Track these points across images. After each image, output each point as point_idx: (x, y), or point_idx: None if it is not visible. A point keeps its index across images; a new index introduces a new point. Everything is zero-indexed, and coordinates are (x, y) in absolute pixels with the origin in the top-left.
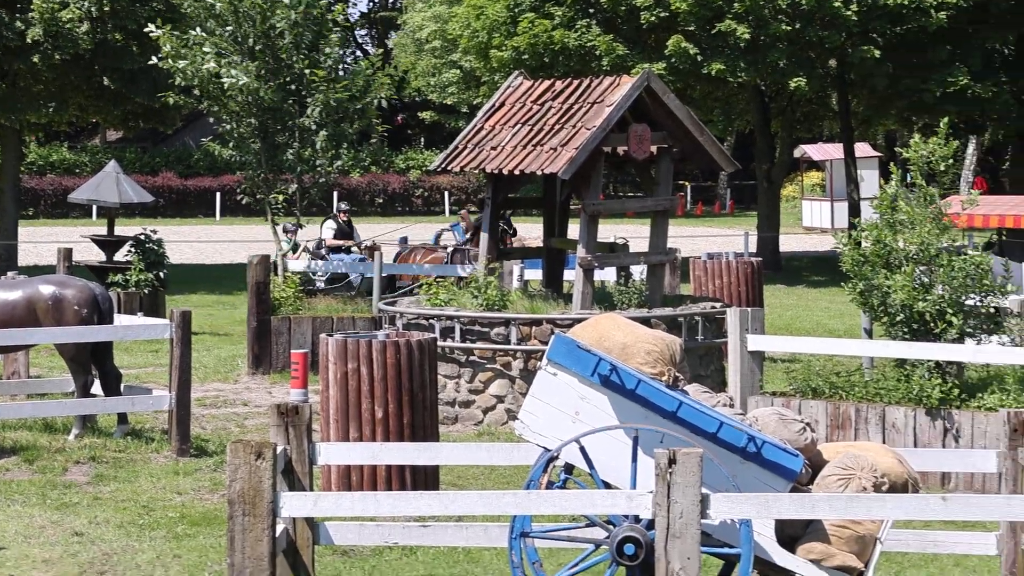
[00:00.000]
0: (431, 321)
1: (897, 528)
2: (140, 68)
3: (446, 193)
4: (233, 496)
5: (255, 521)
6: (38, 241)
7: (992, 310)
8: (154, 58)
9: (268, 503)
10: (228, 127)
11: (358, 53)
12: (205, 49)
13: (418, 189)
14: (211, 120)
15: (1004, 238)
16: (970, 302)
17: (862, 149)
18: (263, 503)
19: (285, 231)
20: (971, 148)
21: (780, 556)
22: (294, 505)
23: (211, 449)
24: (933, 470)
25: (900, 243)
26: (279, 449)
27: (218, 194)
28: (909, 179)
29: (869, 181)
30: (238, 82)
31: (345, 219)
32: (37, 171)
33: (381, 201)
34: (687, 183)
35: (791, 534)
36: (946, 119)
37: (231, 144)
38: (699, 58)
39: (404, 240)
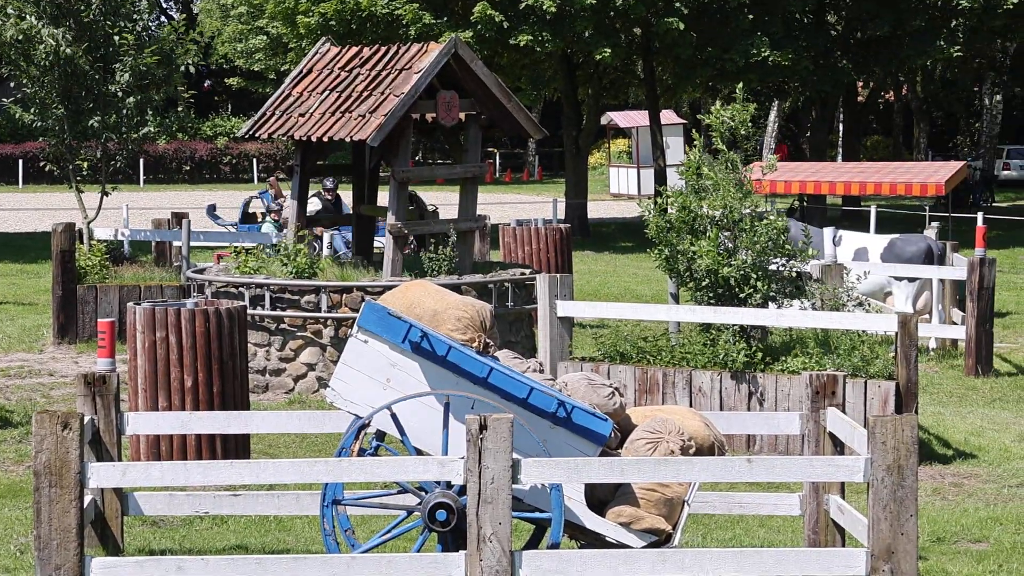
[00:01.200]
0: (241, 289)
1: (704, 491)
2: None
3: (254, 160)
4: (39, 467)
5: (62, 492)
6: None
7: (794, 275)
8: None
9: (75, 474)
10: (30, 91)
11: (163, 19)
12: (8, 11)
13: (226, 156)
14: (11, 85)
15: (805, 204)
16: (773, 267)
17: (667, 116)
18: (70, 474)
19: (269, 211)
20: (773, 115)
21: (590, 520)
22: (102, 476)
23: (16, 420)
24: (739, 433)
25: (704, 209)
26: (86, 419)
27: (20, 161)
28: (712, 145)
29: (675, 148)
30: (55, 44)
31: (331, 197)
32: None
33: (188, 169)
34: (496, 150)
35: (601, 498)
36: (741, 84)
37: (32, 109)
38: (505, 26)
39: (212, 208)
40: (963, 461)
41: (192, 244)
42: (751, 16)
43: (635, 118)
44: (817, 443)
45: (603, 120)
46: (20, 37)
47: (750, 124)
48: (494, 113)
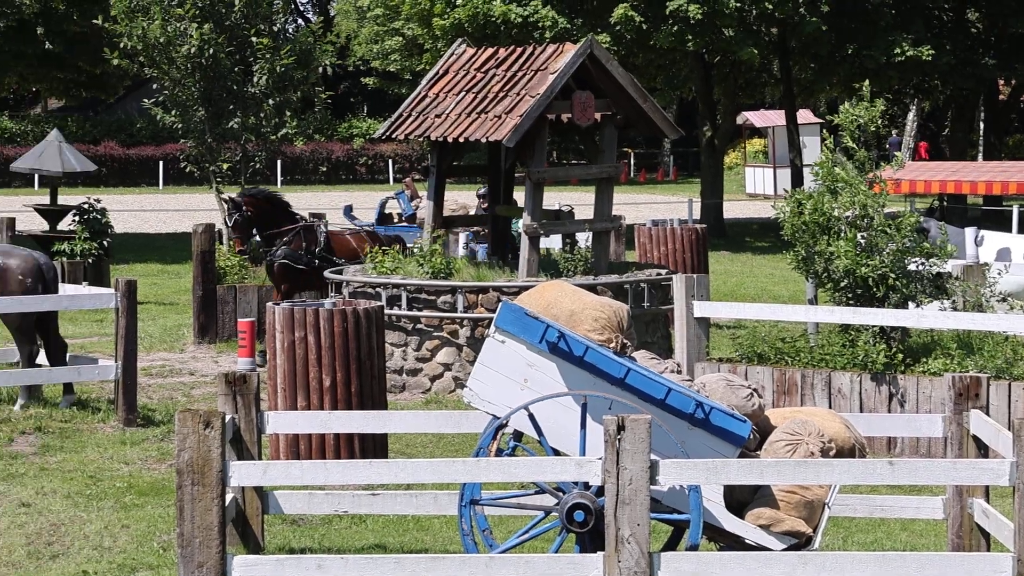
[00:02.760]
0: (377, 289)
1: (844, 493)
2: (83, 32)
3: (390, 161)
4: (182, 466)
5: (204, 491)
6: None
7: (934, 274)
8: (99, 18)
9: (217, 472)
10: (171, 93)
11: (299, 21)
12: (153, 14)
13: (362, 157)
14: (154, 87)
15: (945, 204)
16: (912, 267)
17: (804, 115)
18: (212, 472)
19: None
20: (911, 115)
21: (729, 522)
22: (243, 474)
23: (158, 419)
24: (879, 435)
25: (838, 210)
26: (227, 418)
27: (161, 163)
28: (842, 144)
29: (811, 147)
30: (200, 43)
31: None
32: None
33: (325, 170)
34: (630, 150)
35: (740, 500)
36: (867, 82)
37: (173, 112)
38: (645, 27)
39: (349, 208)
40: None
41: None
42: (892, 12)
43: (771, 117)
44: (960, 446)
45: (739, 120)
46: (163, 39)
47: (880, 121)
48: (630, 113)
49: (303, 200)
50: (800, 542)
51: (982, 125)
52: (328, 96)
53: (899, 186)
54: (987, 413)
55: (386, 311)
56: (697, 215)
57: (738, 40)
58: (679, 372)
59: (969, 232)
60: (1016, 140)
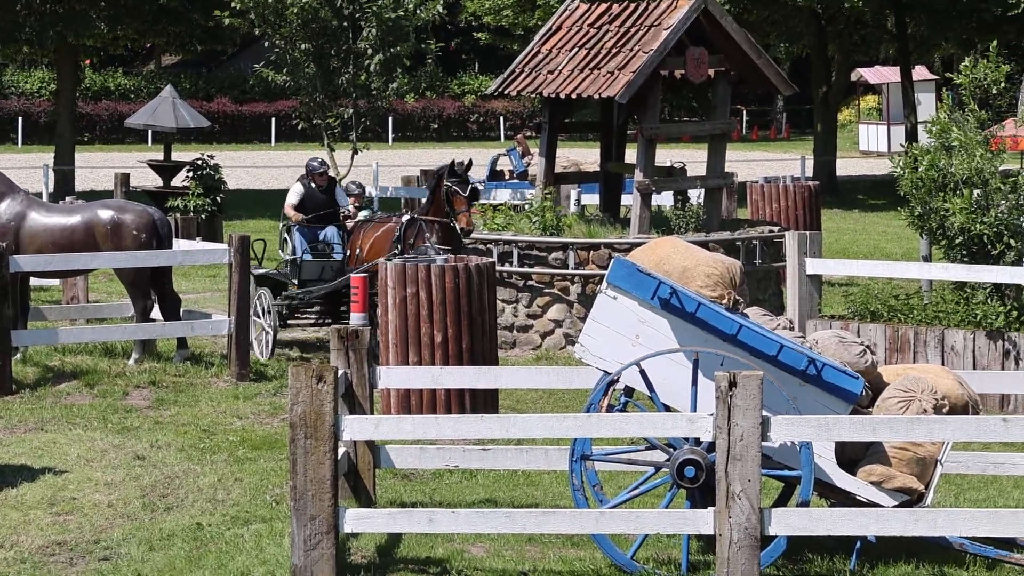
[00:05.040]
0: (489, 246)
1: (957, 450)
2: None
3: (501, 118)
4: (295, 419)
5: (317, 444)
6: (94, 167)
7: None
8: None
9: (330, 426)
10: (282, 52)
11: None
12: None
13: (473, 114)
14: (265, 45)
15: None
16: None
17: (919, 72)
18: (325, 426)
19: (349, 194)
20: None
21: (840, 478)
22: (356, 428)
23: (270, 374)
24: (992, 392)
25: (953, 167)
26: (340, 373)
27: (273, 119)
28: (962, 103)
29: (926, 105)
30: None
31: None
32: (92, 97)
33: (436, 127)
34: (743, 107)
35: (851, 456)
36: (995, 42)
37: (285, 70)
38: None
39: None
40: None
41: None
42: None
43: (885, 74)
44: None
45: (853, 76)
46: None
47: (1003, 83)
48: (743, 69)
49: (414, 157)
50: (912, 499)
51: None
52: (439, 47)
53: (1016, 143)
54: None
55: (497, 267)
56: (810, 172)
57: None
58: (791, 329)
59: None
60: None
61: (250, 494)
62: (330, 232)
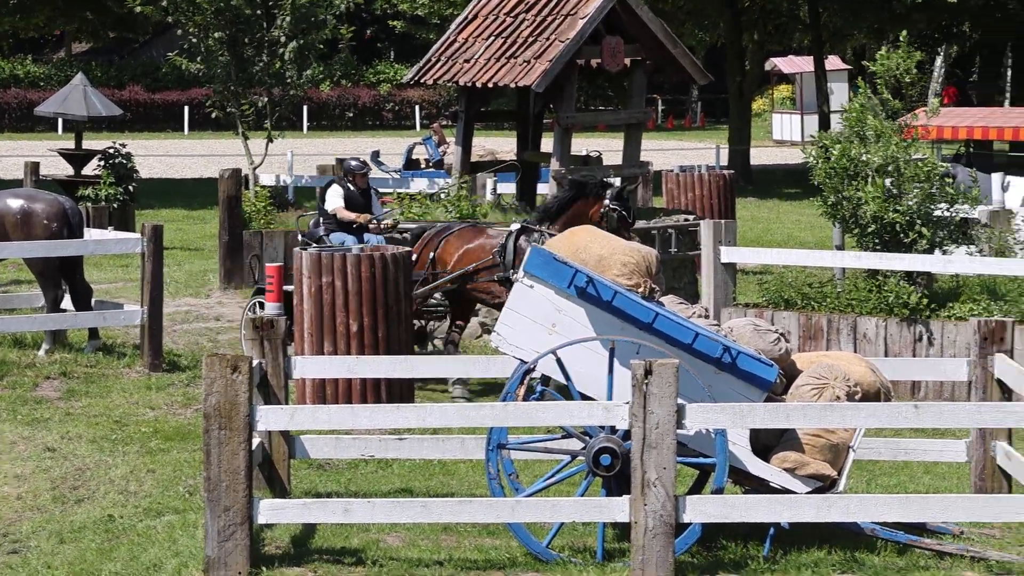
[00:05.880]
0: (405, 235)
1: (869, 436)
2: None
3: (417, 107)
4: (209, 410)
5: (231, 435)
6: (3, 155)
7: (960, 220)
8: None
9: (244, 417)
10: (195, 40)
11: None
12: None
13: (389, 103)
14: (179, 33)
15: (972, 150)
16: (938, 213)
17: (832, 62)
18: (239, 417)
19: (349, 172)
20: (939, 60)
21: (754, 465)
22: (270, 418)
23: (184, 364)
24: (904, 379)
25: (866, 156)
26: (255, 363)
27: (186, 108)
28: (876, 93)
29: (839, 94)
30: None
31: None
32: (1, 84)
33: (352, 115)
34: (658, 97)
35: (765, 443)
36: (905, 32)
37: (199, 58)
38: None
39: (376, 154)
40: None
41: None
42: None
43: (799, 64)
44: (985, 389)
45: (767, 66)
46: None
47: (915, 71)
48: (659, 58)
49: (329, 146)
50: (825, 485)
51: (1010, 72)
52: (351, 32)
53: (927, 132)
54: (1012, 357)
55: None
56: (724, 161)
57: None
58: (706, 317)
59: (996, 178)
60: None
61: (163, 485)
62: (375, 241)
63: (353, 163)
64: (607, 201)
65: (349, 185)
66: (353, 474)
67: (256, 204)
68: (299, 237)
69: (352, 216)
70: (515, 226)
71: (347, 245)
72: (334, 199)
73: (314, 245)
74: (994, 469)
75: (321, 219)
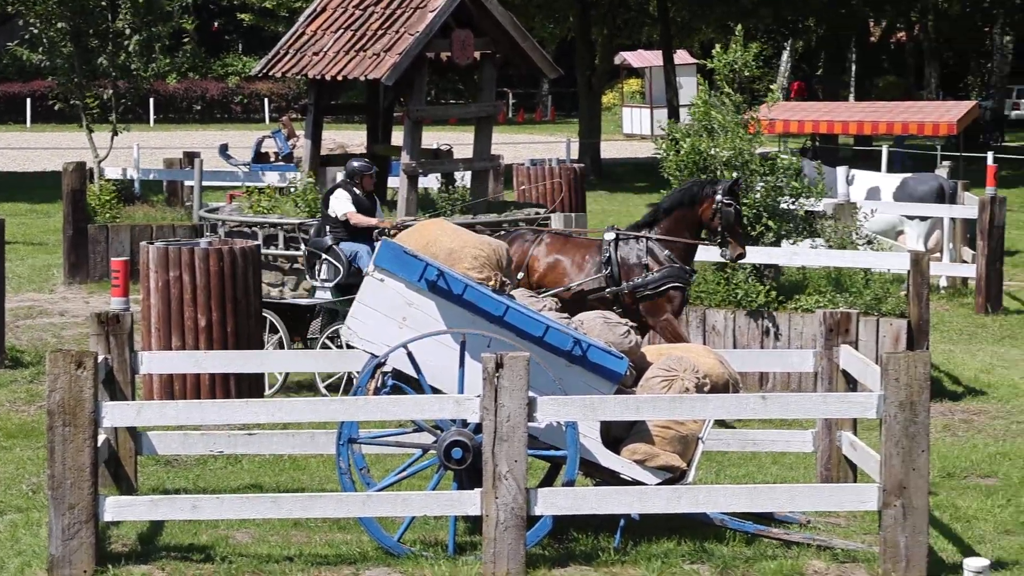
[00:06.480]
0: (254, 229)
1: (718, 428)
2: None
3: (266, 100)
4: (53, 406)
5: (76, 431)
6: None
7: (805, 213)
8: None
9: (89, 413)
10: (37, 31)
11: None
12: None
13: (237, 96)
14: (20, 23)
15: (817, 144)
16: (784, 206)
17: (681, 56)
18: (84, 413)
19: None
20: (785, 55)
21: (605, 457)
22: (116, 415)
23: (27, 360)
24: (752, 370)
25: (714, 150)
26: (100, 358)
27: (28, 100)
28: (718, 88)
29: (688, 88)
30: None
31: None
32: None
33: (199, 108)
34: (509, 90)
35: (616, 435)
36: (740, 27)
37: (41, 49)
38: None
39: (224, 147)
40: (973, 398)
41: (204, 184)
42: None
43: (648, 58)
44: (830, 380)
45: (616, 60)
46: None
47: (755, 64)
48: (509, 52)
49: (177, 139)
50: (674, 476)
51: (854, 67)
52: (195, 23)
53: (772, 126)
54: (856, 348)
55: (263, 250)
56: (575, 155)
57: None
58: (557, 310)
59: (840, 171)
60: (886, 81)
61: (5, 484)
62: None
63: (358, 164)
64: (719, 197)
65: (355, 188)
66: (202, 470)
67: (101, 198)
68: (302, 247)
69: (372, 221)
70: (609, 235)
71: (361, 256)
72: (343, 203)
73: (323, 255)
74: (840, 459)
75: (327, 227)
